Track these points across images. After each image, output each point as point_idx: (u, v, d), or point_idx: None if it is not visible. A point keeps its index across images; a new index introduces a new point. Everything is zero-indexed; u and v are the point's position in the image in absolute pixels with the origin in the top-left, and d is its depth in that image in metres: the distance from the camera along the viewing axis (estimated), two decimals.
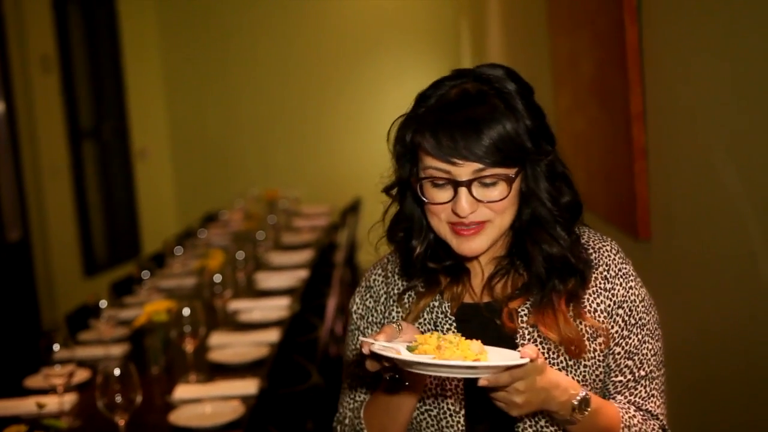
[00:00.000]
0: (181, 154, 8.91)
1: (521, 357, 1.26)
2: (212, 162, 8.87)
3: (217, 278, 3.54)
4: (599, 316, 1.45)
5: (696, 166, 2.30)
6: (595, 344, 1.44)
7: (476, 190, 1.38)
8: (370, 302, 1.58)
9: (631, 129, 2.66)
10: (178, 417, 2.46)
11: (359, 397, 1.56)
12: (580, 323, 1.44)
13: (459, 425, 1.44)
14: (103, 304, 3.19)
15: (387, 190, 1.54)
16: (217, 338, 3.24)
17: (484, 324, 1.46)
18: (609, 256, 1.49)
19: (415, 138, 1.42)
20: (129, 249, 7.80)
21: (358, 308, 1.59)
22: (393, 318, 1.53)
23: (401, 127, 1.47)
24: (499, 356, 1.29)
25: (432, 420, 1.46)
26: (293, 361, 3.05)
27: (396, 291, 1.54)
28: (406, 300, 1.53)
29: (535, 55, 4.56)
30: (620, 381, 1.47)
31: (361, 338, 1.32)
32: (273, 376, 2.91)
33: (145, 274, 4.13)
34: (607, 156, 3.02)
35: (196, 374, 2.82)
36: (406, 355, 1.27)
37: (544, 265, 1.44)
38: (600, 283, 1.46)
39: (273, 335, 3.27)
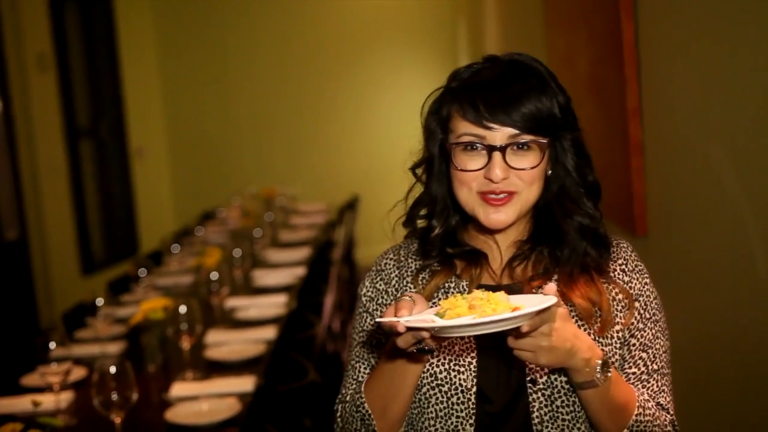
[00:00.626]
0: (179, 153, 8.90)
1: (545, 295, 1.27)
2: (209, 160, 8.85)
3: (214, 276, 3.52)
4: (617, 305, 1.47)
5: (693, 163, 2.29)
6: (613, 331, 1.45)
7: (510, 156, 1.41)
8: (380, 285, 1.57)
9: (627, 125, 2.65)
10: (174, 414, 2.45)
11: (362, 377, 1.55)
12: (614, 292, 1.47)
13: (470, 403, 1.44)
14: (100, 302, 3.18)
15: (414, 168, 1.56)
16: (214, 336, 3.23)
17: None
18: (626, 252, 1.53)
19: (451, 107, 1.46)
20: (127, 247, 7.78)
21: (368, 291, 1.58)
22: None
23: (436, 100, 1.51)
24: (525, 302, 1.28)
25: (442, 396, 1.45)
26: (290, 358, 3.04)
27: (410, 272, 1.55)
28: (420, 280, 1.53)
29: (532, 53, 4.55)
30: (634, 373, 1.48)
31: (380, 321, 1.29)
32: (270, 373, 2.90)
33: (142, 272, 4.12)
34: (603, 152, 3.01)
35: (193, 372, 2.81)
36: (450, 321, 1.24)
37: (577, 236, 1.47)
38: (618, 275, 1.50)
39: (270, 332, 3.25)
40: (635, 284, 1.50)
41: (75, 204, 6.91)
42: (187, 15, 8.82)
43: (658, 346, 1.49)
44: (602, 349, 1.41)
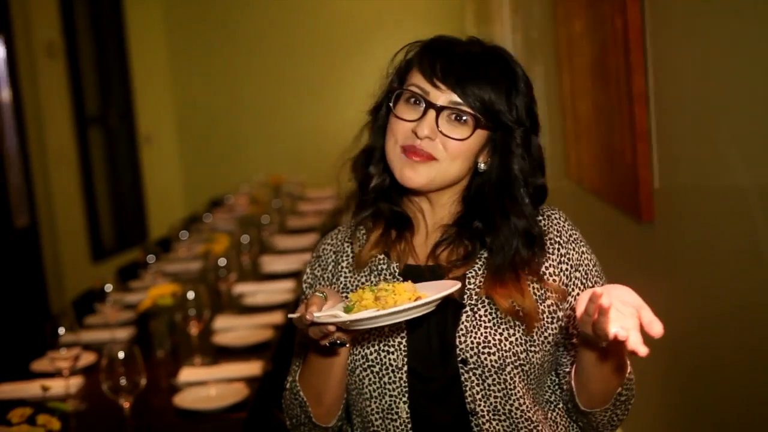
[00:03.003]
0: (187, 140, 8.90)
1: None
2: (218, 147, 8.85)
3: (222, 262, 3.53)
4: (550, 308, 1.46)
5: (699, 148, 2.27)
6: (547, 333, 1.45)
7: (442, 121, 1.43)
8: (318, 271, 1.60)
9: (633, 110, 2.64)
10: (183, 399, 2.46)
11: (300, 363, 1.58)
12: (540, 289, 1.45)
13: (402, 382, 1.45)
14: (109, 288, 3.19)
15: (372, 112, 1.58)
16: (221, 321, 3.23)
17: None
18: (558, 222, 1.52)
19: (414, 59, 1.49)
20: (136, 234, 7.80)
21: (308, 278, 1.62)
22: (340, 284, 1.55)
23: (409, 50, 1.53)
24: (432, 289, 1.34)
25: (374, 377, 1.46)
26: None
27: (345, 256, 1.57)
28: (358, 235, 1.56)
29: (540, 39, 4.53)
30: None
31: (290, 316, 1.35)
32: (277, 358, 2.91)
33: (151, 259, 4.12)
34: (609, 138, 2.99)
35: (201, 357, 2.82)
36: (352, 315, 1.29)
37: (509, 234, 1.46)
38: (554, 245, 1.49)
39: (277, 318, 3.26)
40: (572, 254, 1.49)
41: (84, 191, 6.93)
42: (195, 3, 8.80)
43: None
44: (536, 353, 1.43)
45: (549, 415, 1.50)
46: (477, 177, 1.50)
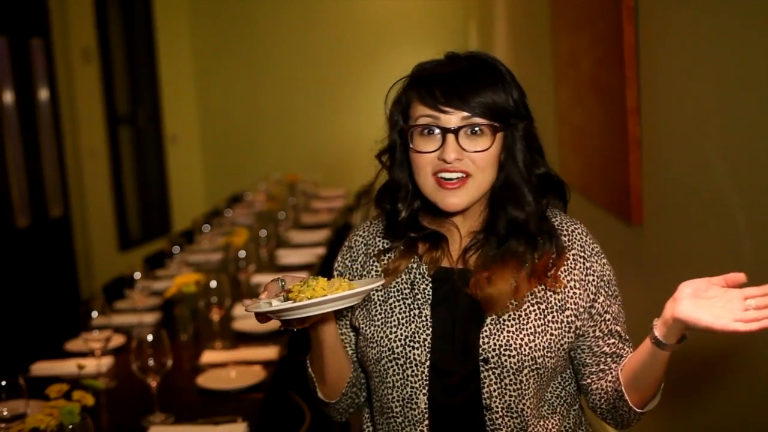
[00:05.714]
0: (210, 140, 8.92)
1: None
2: (238, 147, 8.87)
3: (242, 254, 3.54)
4: (585, 291, 1.46)
5: (687, 158, 2.28)
6: (563, 316, 1.44)
7: (462, 139, 1.40)
8: (348, 261, 1.59)
9: (626, 122, 2.64)
10: (205, 380, 2.47)
11: None
12: (551, 291, 1.44)
13: (423, 375, 1.45)
14: (137, 275, 3.21)
15: (379, 156, 1.56)
16: (241, 309, 3.24)
17: (457, 288, 1.47)
18: (581, 237, 1.50)
19: (411, 95, 1.46)
20: (161, 226, 7.81)
21: (338, 266, 1.61)
22: (372, 276, 1.54)
23: (398, 91, 1.51)
24: (363, 287, 1.33)
25: (398, 369, 1.46)
26: None
27: (375, 251, 1.55)
28: (385, 258, 1.54)
29: (538, 53, 4.53)
30: (614, 343, 1.50)
31: (244, 301, 1.38)
32: (292, 344, 2.92)
33: (176, 249, 4.14)
34: (604, 148, 3.00)
35: (222, 341, 2.83)
36: (263, 308, 1.33)
37: (504, 229, 1.45)
38: (579, 260, 1.48)
39: None
40: (596, 267, 1.48)
41: (114, 185, 6.95)
42: (219, 13, 8.83)
43: (622, 320, 1.52)
44: (551, 333, 1.43)
45: (551, 414, 1.49)
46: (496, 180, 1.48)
